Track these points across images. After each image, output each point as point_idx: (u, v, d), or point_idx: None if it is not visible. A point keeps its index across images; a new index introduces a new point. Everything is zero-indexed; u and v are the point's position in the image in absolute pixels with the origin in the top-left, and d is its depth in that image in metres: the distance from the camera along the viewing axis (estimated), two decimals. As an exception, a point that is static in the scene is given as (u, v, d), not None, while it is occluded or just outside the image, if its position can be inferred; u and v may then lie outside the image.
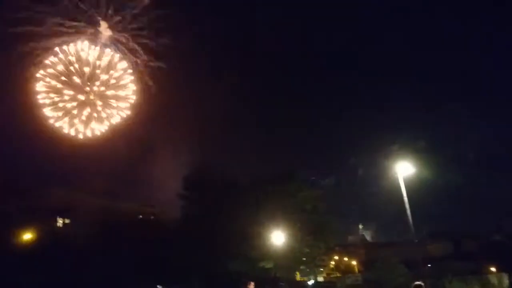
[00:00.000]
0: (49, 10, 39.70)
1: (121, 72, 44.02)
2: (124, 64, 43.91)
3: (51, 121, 42.74)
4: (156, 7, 41.32)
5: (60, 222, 51.09)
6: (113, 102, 44.41)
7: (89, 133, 43.80)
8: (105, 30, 42.15)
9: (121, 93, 44.28)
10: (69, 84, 42.75)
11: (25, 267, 34.20)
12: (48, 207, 45.57)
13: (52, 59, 42.02)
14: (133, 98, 44.75)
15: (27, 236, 38.37)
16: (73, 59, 42.36)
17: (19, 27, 38.62)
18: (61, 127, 43.25)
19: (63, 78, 42.51)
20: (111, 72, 43.56)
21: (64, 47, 41.96)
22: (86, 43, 42.20)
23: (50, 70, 42.23)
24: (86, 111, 43.69)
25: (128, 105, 44.86)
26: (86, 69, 42.54)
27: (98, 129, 44.40)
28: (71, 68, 42.62)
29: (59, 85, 42.76)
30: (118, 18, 41.65)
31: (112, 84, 43.76)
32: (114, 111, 44.73)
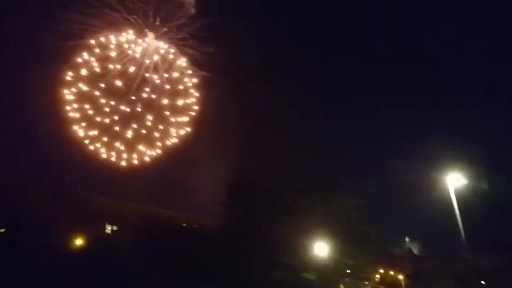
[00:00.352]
0: (96, 23, 32.76)
1: (178, 74, 32.87)
2: (182, 61, 32.48)
3: (86, 141, 33.14)
4: (201, 17, 36.14)
5: (108, 228, 52.52)
6: (169, 116, 33.13)
7: (135, 159, 33.45)
8: (152, 41, 35.12)
9: (179, 102, 32.96)
10: (108, 90, 32.33)
11: (77, 271, 35.58)
12: (97, 214, 47.04)
13: (86, 57, 31.45)
14: (195, 110, 32.96)
15: (79, 241, 39.86)
16: (113, 55, 31.53)
17: (65, 41, 31.98)
18: (97, 150, 33.00)
19: (101, 84, 32.01)
20: (165, 75, 32.09)
21: (102, 38, 31.25)
22: (131, 32, 30.93)
23: (84, 72, 31.62)
24: (132, 128, 32.66)
25: (187, 119, 33.36)
26: (132, 70, 31.09)
27: (147, 153, 33.38)
28: (111, 67, 31.39)
29: (95, 92, 32.23)
30: (165, 29, 35.20)
31: (167, 90, 32.49)
32: (172, 129, 33.05)
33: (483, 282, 51.76)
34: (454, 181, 21.42)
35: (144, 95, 32.05)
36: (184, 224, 53.93)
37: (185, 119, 33.15)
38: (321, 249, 41.10)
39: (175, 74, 32.32)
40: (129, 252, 41.10)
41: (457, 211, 21.16)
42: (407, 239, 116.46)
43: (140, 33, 34.36)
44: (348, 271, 50.92)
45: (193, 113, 33.39)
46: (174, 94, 32.93)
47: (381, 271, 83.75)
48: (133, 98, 32.18)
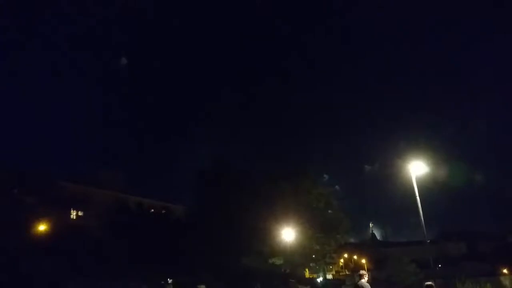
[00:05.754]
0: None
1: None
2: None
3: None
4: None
5: (73, 214, 51.63)
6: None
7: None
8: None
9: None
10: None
11: (41, 257, 34.82)
12: (63, 200, 45.93)
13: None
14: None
15: (43, 227, 38.90)
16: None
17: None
18: None
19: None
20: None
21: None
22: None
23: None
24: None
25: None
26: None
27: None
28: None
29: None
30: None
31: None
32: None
33: (440, 265, 54.26)
34: (416, 169, 22.05)
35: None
36: (152, 210, 53.43)
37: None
38: (289, 234, 41.64)
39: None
40: (94, 237, 40.51)
41: (417, 198, 21.89)
42: (371, 224, 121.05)
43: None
44: (314, 256, 51.99)
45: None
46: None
47: (345, 255, 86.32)
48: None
